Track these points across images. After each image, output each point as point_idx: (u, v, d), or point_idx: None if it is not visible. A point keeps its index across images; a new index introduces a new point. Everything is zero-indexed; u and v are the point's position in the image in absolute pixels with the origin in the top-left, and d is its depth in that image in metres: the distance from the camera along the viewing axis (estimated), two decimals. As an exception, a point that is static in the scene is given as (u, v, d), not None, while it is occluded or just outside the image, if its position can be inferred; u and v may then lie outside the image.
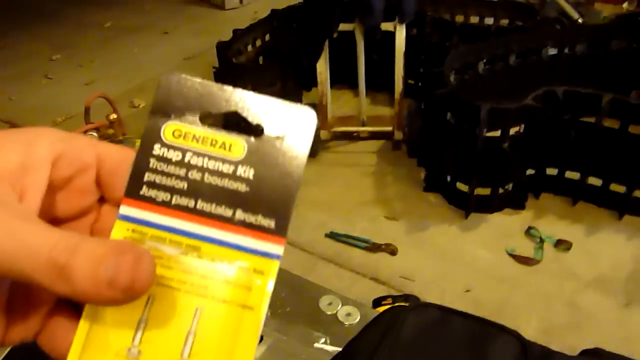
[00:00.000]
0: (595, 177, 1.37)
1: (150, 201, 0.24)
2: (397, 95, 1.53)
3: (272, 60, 1.77)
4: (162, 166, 0.25)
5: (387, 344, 0.45)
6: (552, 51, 1.58)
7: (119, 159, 0.26)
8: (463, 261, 1.28)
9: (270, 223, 0.24)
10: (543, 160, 1.39)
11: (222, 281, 0.24)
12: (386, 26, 1.44)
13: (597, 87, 1.29)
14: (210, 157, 0.25)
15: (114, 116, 1.25)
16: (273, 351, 0.60)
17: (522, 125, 1.31)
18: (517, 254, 1.28)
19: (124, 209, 0.24)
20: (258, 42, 1.77)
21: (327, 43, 1.46)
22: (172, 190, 0.25)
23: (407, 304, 0.52)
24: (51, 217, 0.25)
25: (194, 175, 0.25)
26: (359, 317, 0.70)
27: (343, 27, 1.44)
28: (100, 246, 0.21)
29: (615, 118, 1.27)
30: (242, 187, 0.25)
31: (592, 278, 1.22)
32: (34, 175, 0.23)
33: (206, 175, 0.25)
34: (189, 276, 0.24)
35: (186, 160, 0.25)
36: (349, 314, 0.71)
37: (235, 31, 1.71)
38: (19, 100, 2.08)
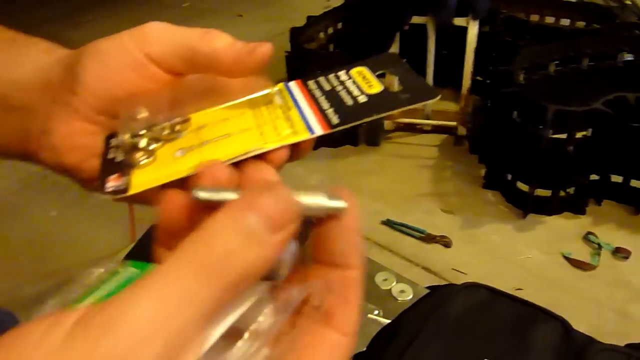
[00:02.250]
0: (661, 187, 1.34)
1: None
2: (464, 90, 1.54)
3: (342, 48, 1.81)
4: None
5: (435, 318, 0.48)
6: (628, 57, 1.55)
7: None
8: (516, 260, 1.28)
9: (335, 119, 0.31)
10: (608, 166, 1.37)
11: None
12: (459, 21, 1.45)
13: (672, 96, 1.26)
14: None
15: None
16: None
17: (590, 130, 1.30)
18: (573, 258, 1.27)
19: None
20: (330, 30, 1.81)
21: (398, 35, 1.49)
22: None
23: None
24: None
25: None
26: (411, 295, 0.74)
27: (415, 20, 1.46)
28: None
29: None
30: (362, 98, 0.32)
31: (647, 289, 1.21)
32: None
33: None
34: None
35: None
36: (402, 291, 0.75)
37: (309, 17, 1.75)
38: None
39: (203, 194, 0.24)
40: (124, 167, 0.30)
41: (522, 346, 0.45)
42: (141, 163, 0.30)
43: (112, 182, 0.30)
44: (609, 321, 1.13)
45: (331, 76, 0.34)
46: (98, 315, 0.18)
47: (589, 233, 1.33)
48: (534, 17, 1.89)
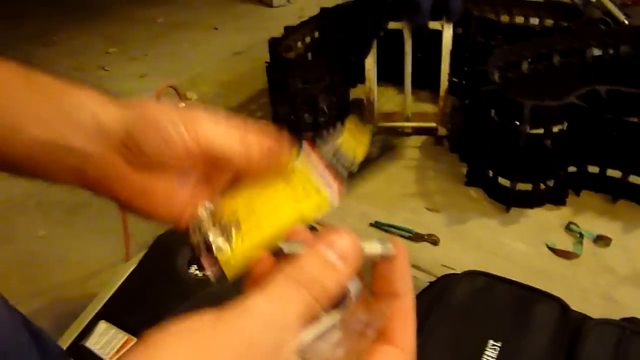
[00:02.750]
0: (636, 175, 1.39)
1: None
2: (442, 92, 1.58)
3: (320, 56, 1.84)
4: None
5: (440, 305, 0.50)
6: (597, 52, 1.60)
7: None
8: (503, 253, 1.32)
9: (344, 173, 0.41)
10: (585, 158, 1.42)
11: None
12: (433, 25, 1.49)
13: (640, 87, 1.32)
14: None
15: (182, 105, 1.34)
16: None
17: (565, 123, 1.34)
18: (557, 248, 1.31)
19: None
20: (307, 39, 1.84)
21: (375, 41, 1.52)
22: None
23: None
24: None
25: None
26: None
27: (391, 25, 1.49)
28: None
29: (657, 118, 1.30)
30: None
31: (629, 273, 1.25)
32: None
33: None
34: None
35: None
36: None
37: (286, 28, 1.78)
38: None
39: (286, 247, 0.32)
40: (211, 254, 0.38)
41: (523, 325, 0.48)
42: (223, 250, 0.38)
43: (209, 270, 0.38)
44: (595, 306, 1.17)
45: (330, 136, 0.42)
46: (227, 311, 0.26)
47: (571, 223, 1.37)
48: (504, 18, 1.94)
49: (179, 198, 0.40)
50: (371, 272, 0.34)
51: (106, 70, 2.35)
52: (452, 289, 0.51)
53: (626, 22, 2.01)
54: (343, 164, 0.40)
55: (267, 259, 0.34)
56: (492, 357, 0.47)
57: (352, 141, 0.41)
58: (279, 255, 0.33)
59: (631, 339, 0.50)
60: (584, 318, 0.49)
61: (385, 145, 0.41)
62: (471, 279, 0.52)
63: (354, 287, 0.32)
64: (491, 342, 0.48)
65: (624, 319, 0.55)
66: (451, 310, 0.50)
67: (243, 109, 1.98)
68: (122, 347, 0.86)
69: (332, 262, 0.29)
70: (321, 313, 0.29)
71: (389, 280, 0.33)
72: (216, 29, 2.74)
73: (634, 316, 0.54)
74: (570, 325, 0.47)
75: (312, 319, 0.28)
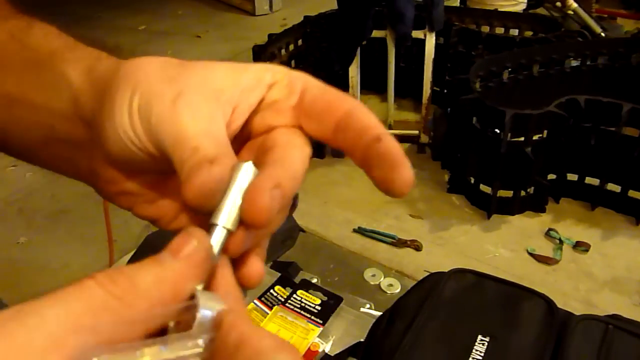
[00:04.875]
0: (614, 183, 1.43)
1: None
2: (424, 99, 1.60)
3: (304, 64, 1.85)
4: None
5: (430, 303, 0.52)
6: (575, 63, 1.64)
7: (319, 93, 0.31)
8: (484, 258, 1.34)
9: None
10: (564, 165, 1.45)
11: None
12: (416, 34, 1.52)
13: (617, 97, 1.35)
14: None
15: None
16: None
17: (545, 132, 1.37)
18: (537, 254, 1.34)
19: None
20: (291, 47, 1.85)
21: (358, 49, 1.54)
22: None
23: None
24: (246, 130, 0.31)
25: None
26: (399, 288, 0.78)
27: (375, 34, 1.51)
28: None
29: (634, 127, 1.34)
30: None
31: (608, 278, 1.28)
32: (250, 93, 0.29)
33: None
34: None
35: None
36: (390, 285, 0.79)
37: (270, 36, 1.79)
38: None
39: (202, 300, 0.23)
40: None
41: (511, 321, 0.49)
42: None
43: None
44: (575, 311, 1.17)
45: None
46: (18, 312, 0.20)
47: (550, 229, 1.40)
48: (485, 28, 1.98)
49: (162, 196, 0.32)
50: None
51: (88, 77, 2.34)
52: (442, 285, 0.52)
53: (603, 34, 2.06)
54: None
55: None
56: (482, 352, 0.48)
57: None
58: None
59: (615, 334, 0.51)
60: (570, 315, 0.51)
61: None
62: (460, 277, 0.53)
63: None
64: (480, 337, 0.49)
65: (607, 316, 0.57)
66: (441, 306, 0.51)
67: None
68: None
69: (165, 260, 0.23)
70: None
71: None
72: (199, 37, 2.74)
73: (615, 313, 0.56)
74: (557, 321, 0.49)
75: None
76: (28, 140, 0.35)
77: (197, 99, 0.27)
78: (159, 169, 0.29)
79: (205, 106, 0.27)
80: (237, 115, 0.29)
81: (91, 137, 0.31)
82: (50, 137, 0.34)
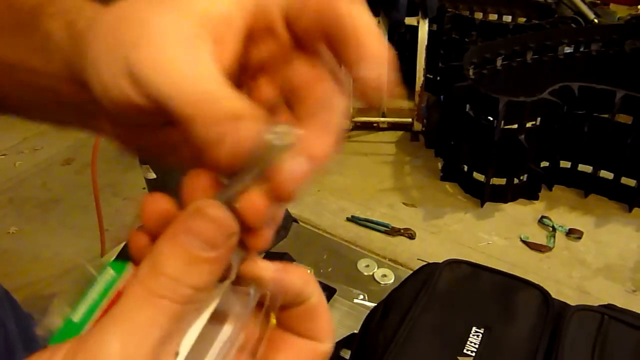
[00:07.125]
0: (606, 170, 1.43)
1: None
2: (417, 87, 1.59)
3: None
4: None
5: (425, 293, 0.51)
6: (568, 49, 1.64)
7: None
8: (478, 246, 1.34)
9: None
10: (557, 153, 1.45)
11: None
12: (410, 21, 1.51)
13: (611, 84, 1.35)
14: None
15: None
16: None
17: (539, 119, 1.37)
18: (531, 241, 1.34)
19: None
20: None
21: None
22: None
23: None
24: (245, 61, 0.26)
25: None
26: (393, 279, 0.77)
27: (368, 20, 1.50)
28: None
29: (627, 114, 1.33)
30: None
31: (601, 266, 1.28)
32: (236, 22, 0.25)
33: None
34: None
35: None
36: (384, 275, 0.78)
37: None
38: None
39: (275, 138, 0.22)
40: None
41: (507, 312, 0.49)
42: None
43: None
44: (569, 298, 1.19)
45: None
46: (80, 352, 0.21)
47: (544, 217, 1.40)
48: (478, 15, 1.97)
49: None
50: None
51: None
52: (436, 277, 0.52)
53: (596, 20, 2.05)
54: None
55: (141, 236, 0.25)
56: (476, 343, 0.48)
57: None
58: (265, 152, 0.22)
59: (610, 324, 0.51)
60: (565, 305, 0.51)
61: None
62: (454, 267, 0.53)
63: (236, 258, 0.24)
64: (475, 328, 0.49)
65: (602, 306, 0.57)
66: (436, 298, 0.51)
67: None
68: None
69: (197, 254, 0.22)
70: (196, 309, 0.23)
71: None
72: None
73: (610, 303, 0.56)
74: (552, 311, 0.48)
75: (185, 323, 0.23)
76: (44, 107, 0.32)
77: (181, 36, 0.24)
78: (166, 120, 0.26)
79: (197, 44, 0.24)
80: (225, 47, 0.25)
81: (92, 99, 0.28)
82: (59, 102, 0.31)
